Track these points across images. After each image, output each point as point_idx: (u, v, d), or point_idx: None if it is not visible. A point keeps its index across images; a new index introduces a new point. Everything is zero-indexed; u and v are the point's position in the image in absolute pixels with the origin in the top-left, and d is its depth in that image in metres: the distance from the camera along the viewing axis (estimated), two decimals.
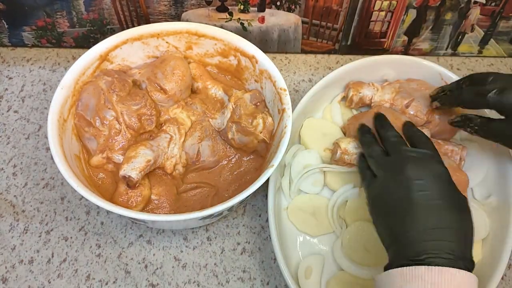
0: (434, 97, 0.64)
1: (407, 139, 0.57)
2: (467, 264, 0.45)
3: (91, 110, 0.60)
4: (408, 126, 0.61)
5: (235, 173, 0.64)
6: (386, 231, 0.49)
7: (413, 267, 0.43)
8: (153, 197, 0.60)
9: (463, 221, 0.48)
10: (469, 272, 0.44)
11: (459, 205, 0.49)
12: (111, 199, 0.58)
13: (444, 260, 0.44)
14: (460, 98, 0.58)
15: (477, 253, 0.60)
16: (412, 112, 0.67)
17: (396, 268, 0.45)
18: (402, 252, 0.46)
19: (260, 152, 0.64)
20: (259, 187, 0.54)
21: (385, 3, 0.73)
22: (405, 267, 0.44)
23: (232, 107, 0.62)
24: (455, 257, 0.44)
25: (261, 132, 0.61)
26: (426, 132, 0.65)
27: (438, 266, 0.43)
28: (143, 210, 0.59)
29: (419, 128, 0.65)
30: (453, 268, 0.43)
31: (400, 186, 0.49)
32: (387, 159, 0.54)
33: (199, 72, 0.67)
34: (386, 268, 0.47)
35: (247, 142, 0.61)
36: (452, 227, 0.46)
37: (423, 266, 0.43)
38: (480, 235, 0.62)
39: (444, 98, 0.61)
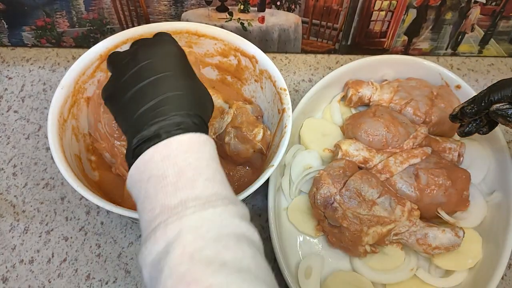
0: (455, 116, 0.59)
1: None
2: (196, 121, 0.42)
3: (91, 126, 0.63)
4: None
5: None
6: (122, 119, 0.45)
7: (144, 152, 0.40)
8: None
9: (191, 87, 0.45)
10: (196, 133, 0.41)
11: (187, 74, 0.46)
12: (121, 203, 0.59)
13: (172, 125, 0.41)
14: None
15: (477, 253, 0.60)
16: (410, 111, 0.67)
17: (134, 162, 0.41)
18: (134, 133, 0.42)
19: (254, 163, 0.64)
20: (259, 187, 0.54)
21: (385, 3, 0.73)
22: (137, 160, 0.40)
23: (234, 112, 0.62)
24: (183, 117, 0.41)
25: (259, 142, 0.61)
26: (424, 130, 0.65)
27: (167, 138, 0.40)
28: None
29: (418, 126, 0.65)
30: (180, 135, 0.40)
31: (132, 73, 0.44)
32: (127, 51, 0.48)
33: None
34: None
35: (242, 150, 0.61)
36: (181, 92, 0.43)
37: (151, 148, 0.40)
38: (481, 235, 0.62)
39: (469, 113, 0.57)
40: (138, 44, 0.48)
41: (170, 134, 0.40)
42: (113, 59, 0.49)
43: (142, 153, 0.40)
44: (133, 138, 0.41)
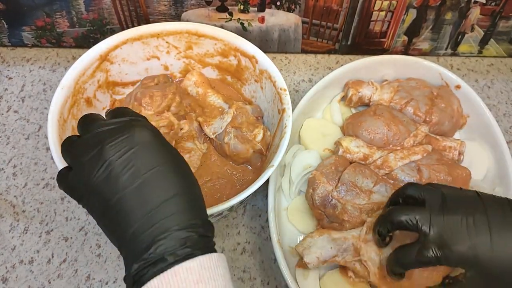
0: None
1: None
2: (202, 230, 0.37)
3: None
4: None
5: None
6: (110, 232, 0.39)
7: (147, 280, 0.35)
8: None
9: (185, 183, 0.38)
10: (206, 256, 0.36)
11: (173, 163, 0.39)
12: None
13: (177, 243, 0.36)
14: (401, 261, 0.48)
15: None
16: (410, 111, 0.67)
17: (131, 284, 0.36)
18: (132, 255, 0.36)
19: (254, 164, 0.64)
20: (259, 187, 0.54)
21: (385, 3, 0.73)
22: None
23: (234, 112, 0.62)
24: (187, 231, 0.36)
25: (259, 142, 0.61)
26: (425, 128, 0.65)
27: (173, 263, 0.35)
28: None
29: (418, 125, 0.65)
30: (189, 261, 0.35)
31: (106, 175, 0.37)
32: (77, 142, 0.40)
33: (201, 79, 0.68)
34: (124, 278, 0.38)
35: (241, 150, 0.61)
36: (176, 193, 0.37)
37: (155, 278, 0.35)
38: None
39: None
40: (100, 130, 0.39)
41: (176, 256, 0.35)
42: (71, 150, 0.40)
43: (145, 279, 0.35)
44: (132, 262, 0.36)
